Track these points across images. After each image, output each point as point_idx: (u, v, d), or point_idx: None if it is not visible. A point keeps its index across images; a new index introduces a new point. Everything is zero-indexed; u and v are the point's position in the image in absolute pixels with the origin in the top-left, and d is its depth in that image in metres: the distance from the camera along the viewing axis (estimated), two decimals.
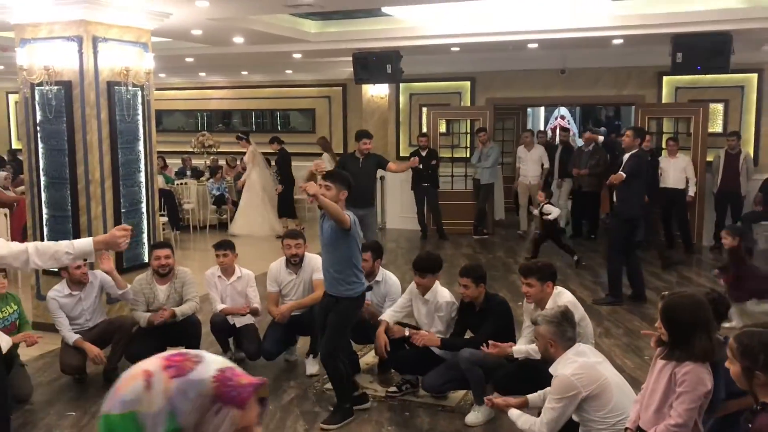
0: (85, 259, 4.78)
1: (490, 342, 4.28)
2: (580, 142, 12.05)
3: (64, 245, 3.18)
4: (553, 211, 8.70)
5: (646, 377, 3.26)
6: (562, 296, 4.27)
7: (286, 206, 11.77)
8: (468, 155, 11.35)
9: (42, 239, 6.37)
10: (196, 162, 13.37)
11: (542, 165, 10.92)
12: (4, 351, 4.39)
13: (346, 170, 7.69)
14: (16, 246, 3.24)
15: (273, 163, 11.99)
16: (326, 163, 11.76)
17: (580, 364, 3.29)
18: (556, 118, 16.56)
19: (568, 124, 16.06)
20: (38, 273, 6.46)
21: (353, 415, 4.53)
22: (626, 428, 3.15)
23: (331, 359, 4.47)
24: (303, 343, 5.69)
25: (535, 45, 9.50)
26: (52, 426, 4.53)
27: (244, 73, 13.85)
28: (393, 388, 4.99)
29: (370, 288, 4.59)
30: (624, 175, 6.89)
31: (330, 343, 4.47)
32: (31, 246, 3.20)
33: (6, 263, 3.32)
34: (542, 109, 16.37)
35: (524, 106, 13.34)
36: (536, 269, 4.31)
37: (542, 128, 16.54)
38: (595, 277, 8.40)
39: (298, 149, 12.62)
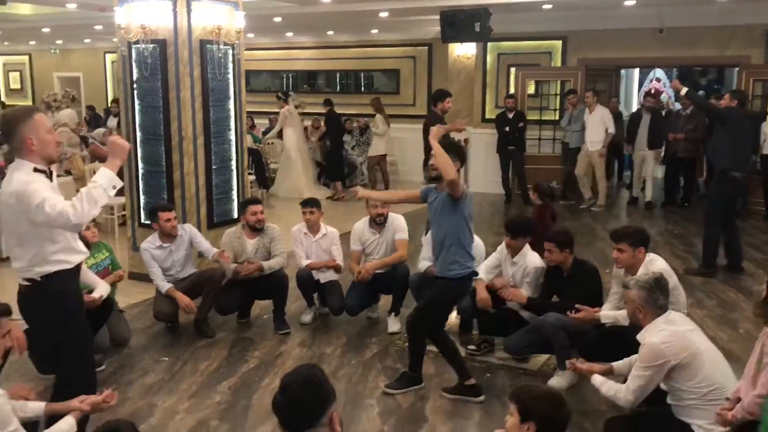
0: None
1: (576, 306, 4.20)
2: (677, 106, 11.48)
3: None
4: None
5: (742, 350, 3.12)
6: (655, 263, 4.11)
7: (334, 169, 11.79)
8: (557, 118, 11.03)
9: (138, 194, 6.65)
10: None
11: (606, 130, 10.04)
12: (104, 297, 4.63)
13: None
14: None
15: (322, 123, 12.08)
16: (380, 124, 11.73)
17: (670, 332, 3.17)
18: (651, 81, 15.82)
19: (664, 87, 15.32)
20: (134, 226, 6.75)
21: (421, 383, 4.39)
22: (726, 398, 3.03)
23: (415, 328, 4.30)
24: (385, 301, 5.74)
25: (632, 2, 9.05)
26: (147, 369, 4.76)
27: (330, 33, 13.86)
28: (472, 347, 5.00)
29: (475, 273, 4.32)
30: (680, 85, 6.83)
31: (418, 315, 4.28)
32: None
33: None
34: (636, 70, 15.64)
35: (618, 68, 12.78)
36: (628, 234, 4.17)
37: (637, 91, 15.85)
38: (687, 245, 8.06)
39: None
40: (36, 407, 2.94)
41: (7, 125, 3.13)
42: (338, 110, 11.97)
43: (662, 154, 10.44)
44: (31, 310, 3.19)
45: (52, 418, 2.94)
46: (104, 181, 2.95)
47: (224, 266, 5.40)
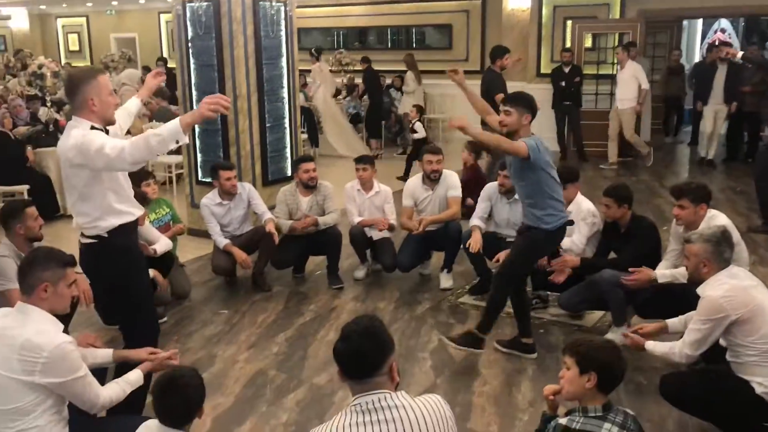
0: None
1: (630, 269, 4.14)
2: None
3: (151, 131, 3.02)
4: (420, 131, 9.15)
5: None
6: (717, 219, 4.01)
7: (372, 127, 11.72)
8: (614, 72, 10.71)
9: (195, 151, 6.79)
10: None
11: (639, 86, 9.55)
12: (163, 252, 4.79)
13: (489, 89, 7.59)
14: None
15: (361, 81, 12.00)
16: (410, 82, 11.56)
17: (732, 286, 3.10)
18: (715, 32, 15.15)
19: (729, 38, 14.66)
20: (192, 183, 6.91)
21: (482, 349, 4.20)
22: None
23: (502, 283, 4.13)
24: (437, 258, 5.77)
25: None
26: (207, 321, 4.93)
27: None
28: None
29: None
30: (734, 51, 6.48)
31: (507, 266, 4.13)
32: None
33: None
34: (700, 21, 15.00)
35: (679, 18, 12.30)
36: (690, 190, 4.07)
37: (699, 44, 15.21)
38: (750, 203, 7.81)
39: (432, 66, 12.43)
40: (104, 354, 3.08)
41: (71, 84, 3.21)
42: (391, 67, 11.88)
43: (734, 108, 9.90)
44: (97, 267, 3.29)
45: (122, 368, 3.07)
46: (167, 132, 2.91)
47: (280, 223, 5.50)
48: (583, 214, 4.74)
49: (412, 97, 11.77)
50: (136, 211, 3.33)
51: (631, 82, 9.61)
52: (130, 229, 3.30)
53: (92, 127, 3.10)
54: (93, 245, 3.22)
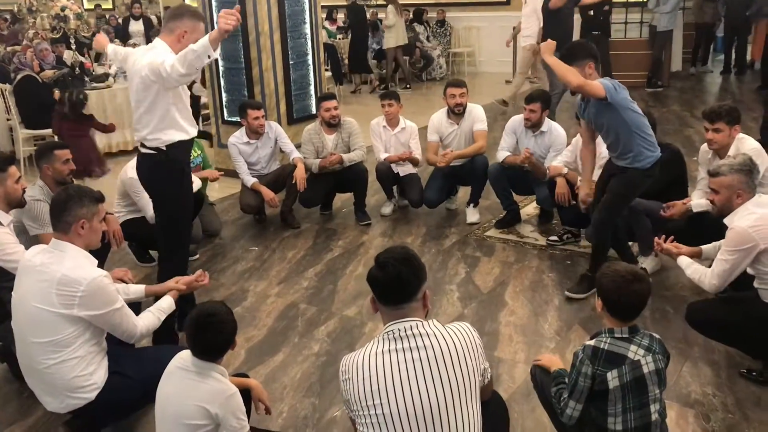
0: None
1: (664, 205, 4.09)
2: None
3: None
4: None
5: None
6: (746, 142, 3.94)
7: (357, 62, 11.52)
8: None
9: (219, 90, 6.79)
10: None
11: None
12: (194, 190, 4.85)
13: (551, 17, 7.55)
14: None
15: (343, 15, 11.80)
16: (391, 15, 11.26)
17: (760, 215, 3.07)
18: None
19: None
20: (218, 123, 6.94)
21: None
22: None
23: (603, 227, 4.00)
24: (464, 193, 5.77)
25: None
26: (238, 258, 5.03)
27: None
28: (554, 237, 5.00)
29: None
30: None
31: (607, 211, 3.97)
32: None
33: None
34: None
35: None
36: (725, 112, 3.97)
37: None
38: None
39: None
40: (137, 289, 3.18)
41: (175, 13, 3.48)
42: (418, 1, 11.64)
43: None
44: (151, 176, 3.61)
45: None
46: (200, 48, 3.09)
47: (308, 162, 5.52)
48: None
49: (393, 30, 11.45)
50: (192, 130, 3.58)
51: (531, 16, 8.70)
52: (185, 147, 3.58)
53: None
54: (151, 156, 3.52)
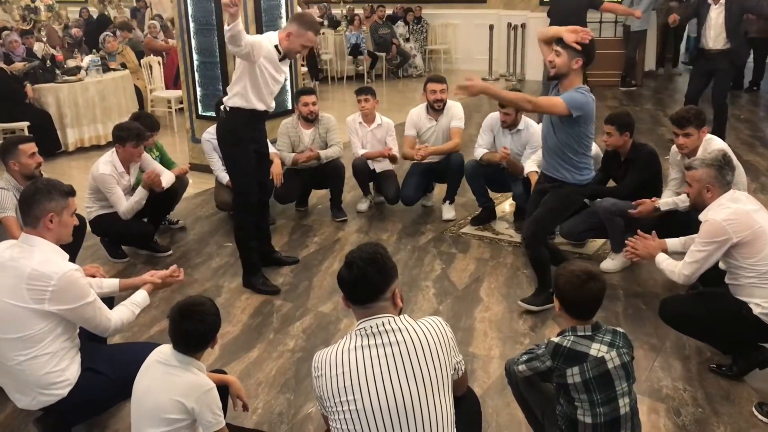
0: None
1: (633, 203, 4.14)
2: None
3: None
4: None
5: None
6: (713, 143, 4.01)
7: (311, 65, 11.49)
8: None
9: (194, 85, 6.72)
10: (334, 11, 13.30)
11: None
12: (167, 185, 4.81)
13: (554, 5, 7.50)
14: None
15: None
16: None
17: (734, 209, 3.12)
18: None
19: None
20: (192, 118, 6.87)
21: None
22: None
23: (535, 241, 3.91)
24: (440, 190, 5.79)
25: None
26: (212, 254, 4.99)
27: None
28: None
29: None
30: None
31: (539, 224, 3.92)
32: None
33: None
34: None
35: None
36: (693, 117, 4.04)
37: None
38: (754, 131, 7.78)
39: None
40: (111, 283, 3.13)
41: (295, 19, 4.08)
42: None
43: None
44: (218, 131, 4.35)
45: None
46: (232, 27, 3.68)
47: (283, 155, 5.48)
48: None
49: None
50: (260, 107, 4.15)
51: None
52: (252, 116, 4.16)
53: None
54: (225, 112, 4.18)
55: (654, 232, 3.56)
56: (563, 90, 3.69)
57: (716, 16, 6.60)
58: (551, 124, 3.77)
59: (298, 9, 6.83)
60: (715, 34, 6.64)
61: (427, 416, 2.04)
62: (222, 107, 4.26)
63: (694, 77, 7.15)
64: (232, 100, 4.10)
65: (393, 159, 5.64)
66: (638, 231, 3.61)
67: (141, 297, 3.00)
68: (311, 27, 4.03)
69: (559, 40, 3.63)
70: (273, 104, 4.28)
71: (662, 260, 3.40)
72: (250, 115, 4.13)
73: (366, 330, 2.11)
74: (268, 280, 4.43)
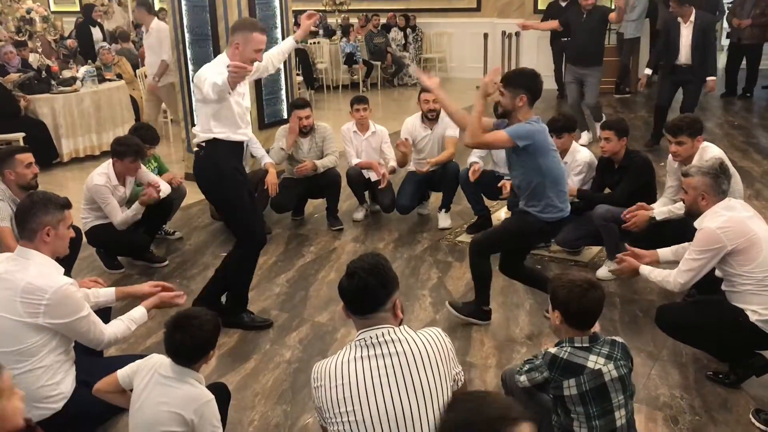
0: None
1: (626, 211, 4.14)
2: None
3: None
4: None
5: None
6: (709, 150, 4.01)
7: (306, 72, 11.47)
8: (612, 5, 10.52)
9: (190, 96, 6.71)
10: (329, 21, 13.33)
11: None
12: (163, 196, 4.81)
13: (568, 24, 7.54)
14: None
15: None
16: None
17: (729, 217, 3.13)
18: None
19: None
20: (187, 128, 6.86)
21: (487, 320, 3.96)
22: None
23: (477, 255, 3.82)
24: (435, 198, 5.79)
25: None
26: (208, 264, 4.97)
27: None
28: None
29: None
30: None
31: (488, 239, 3.85)
32: None
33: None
34: None
35: None
36: (686, 126, 4.05)
37: None
38: (748, 137, 7.81)
39: (428, 4, 12.20)
40: (107, 293, 3.10)
41: (234, 28, 3.69)
42: (384, 6, 11.60)
43: None
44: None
45: None
46: (222, 84, 3.39)
47: (278, 155, 5.48)
48: (579, 167, 4.71)
49: None
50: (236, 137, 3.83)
51: (155, 47, 7.88)
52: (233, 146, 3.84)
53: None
54: (200, 149, 3.82)
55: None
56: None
57: (687, 34, 7.02)
58: (510, 162, 3.72)
59: (292, 19, 6.83)
60: (685, 51, 7.05)
61: (427, 428, 2.03)
62: (197, 144, 3.84)
63: (663, 89, 7.56)
64: (206, 134, 3.74)
65: (391, 171, 5.66)
66: (626, 245, 3.61)
67: (139, 314, 2.97)
68: (253, 27, 3.63)
69: (503, 81, 3.56)
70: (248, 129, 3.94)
71: (648, 272, 3.40)
72: (231, 146, 3.79)
73: (366, 341, 2.10)
74: (257, 315, 4.12)
